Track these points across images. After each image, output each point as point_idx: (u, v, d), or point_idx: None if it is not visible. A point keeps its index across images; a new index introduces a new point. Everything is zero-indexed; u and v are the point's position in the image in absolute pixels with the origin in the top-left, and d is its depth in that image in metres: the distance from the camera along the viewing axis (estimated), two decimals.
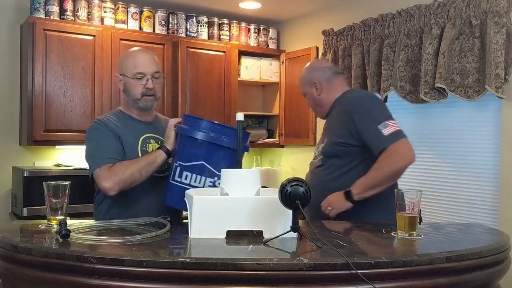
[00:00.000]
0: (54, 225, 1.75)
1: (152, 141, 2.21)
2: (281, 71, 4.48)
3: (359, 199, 2.13)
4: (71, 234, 1.54)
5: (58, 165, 3.66)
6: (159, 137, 2.22)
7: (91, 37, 3.61)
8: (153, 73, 2.16)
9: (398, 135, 2.12)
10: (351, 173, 2.22)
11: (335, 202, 2.18)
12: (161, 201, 2.03)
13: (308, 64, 2.57)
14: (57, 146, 3.70)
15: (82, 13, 3.65)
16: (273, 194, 1.64)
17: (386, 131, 2.09)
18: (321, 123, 4.11)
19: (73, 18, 3.63)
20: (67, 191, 1.79)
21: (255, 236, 1.62)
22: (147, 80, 2.15)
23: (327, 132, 2.37)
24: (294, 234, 1.59)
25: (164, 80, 2.24)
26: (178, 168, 1.94)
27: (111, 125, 2.13)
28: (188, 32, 4.10)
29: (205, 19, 4.18)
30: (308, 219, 1.66)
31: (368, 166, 2.15)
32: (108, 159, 2.04)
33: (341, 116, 2.26)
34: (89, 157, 2.10)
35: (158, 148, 2.10)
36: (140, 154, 2.14)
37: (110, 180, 1.99)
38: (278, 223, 1.62)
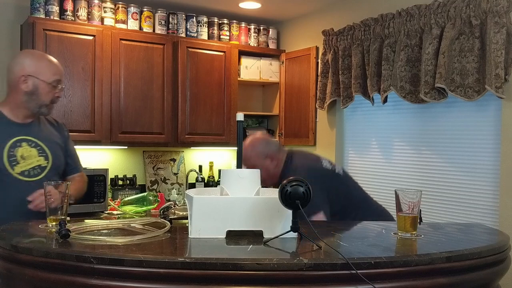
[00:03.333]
0: (54, 225, 1.75)
1: (24, 144, 2.17)
2: (281, 71, 4.48)
3: None
4: (71, 234, 1.54)
5: None
6: (32, 139, 2.19)
7: (91, 37, 3.61)
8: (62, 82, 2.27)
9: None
10: None
11: None
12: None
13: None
14: None
15: (82, 13, 3.65)
16: (273, 194, 1.64)
17: None
18: (321, 123, 4.13)
19: (73, 18, 3.63)
20: (67, 191, 1.79)
21: (255, 236, 1.62)
22: (60, 89, 2.23)
23: None
24: (294, 234, 1.59)
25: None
26: None
27: None
28: (188, 32, 4.10)
29: (205, 19, 4.18)
30: None
31: None
32: None
33: None
34: None
35: None
36: (5, 159, 2.10)
37: None
38: (278, 223, 1.62)
